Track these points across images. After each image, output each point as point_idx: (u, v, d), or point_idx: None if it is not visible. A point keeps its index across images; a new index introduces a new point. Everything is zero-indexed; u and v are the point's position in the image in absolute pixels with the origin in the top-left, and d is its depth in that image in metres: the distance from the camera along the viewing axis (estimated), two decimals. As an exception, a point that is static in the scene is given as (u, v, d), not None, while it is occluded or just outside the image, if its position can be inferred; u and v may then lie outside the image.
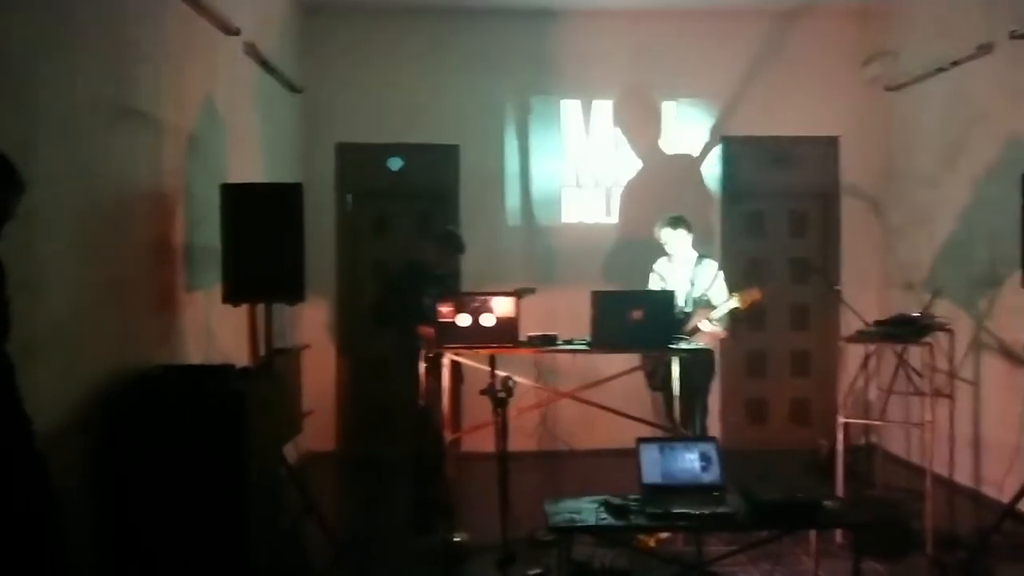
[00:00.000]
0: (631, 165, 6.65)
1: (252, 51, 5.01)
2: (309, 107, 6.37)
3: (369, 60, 6.47)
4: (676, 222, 5.09)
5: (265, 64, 5.27)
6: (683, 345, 4.49)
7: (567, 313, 5.23)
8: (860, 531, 3.55)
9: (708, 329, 4.83)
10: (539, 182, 6.62)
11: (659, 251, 5.20)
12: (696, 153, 6.67)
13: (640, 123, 6.65)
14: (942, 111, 5.79)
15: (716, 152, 6.68)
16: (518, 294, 4.49)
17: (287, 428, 4.82)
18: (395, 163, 6.55)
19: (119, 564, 3.00)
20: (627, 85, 6.62)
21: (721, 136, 6.67)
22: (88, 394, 2.98)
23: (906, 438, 5.98)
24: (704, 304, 4.95)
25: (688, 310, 4.99)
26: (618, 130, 6.63)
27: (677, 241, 5.09)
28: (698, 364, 4.59)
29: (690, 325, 4.91)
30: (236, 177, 4.37)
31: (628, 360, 5.07)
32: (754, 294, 4.78)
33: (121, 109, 3.34)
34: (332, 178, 6.50)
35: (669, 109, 6.66)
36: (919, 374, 5.07)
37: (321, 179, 6.38)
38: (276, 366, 4.46)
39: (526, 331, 4.47)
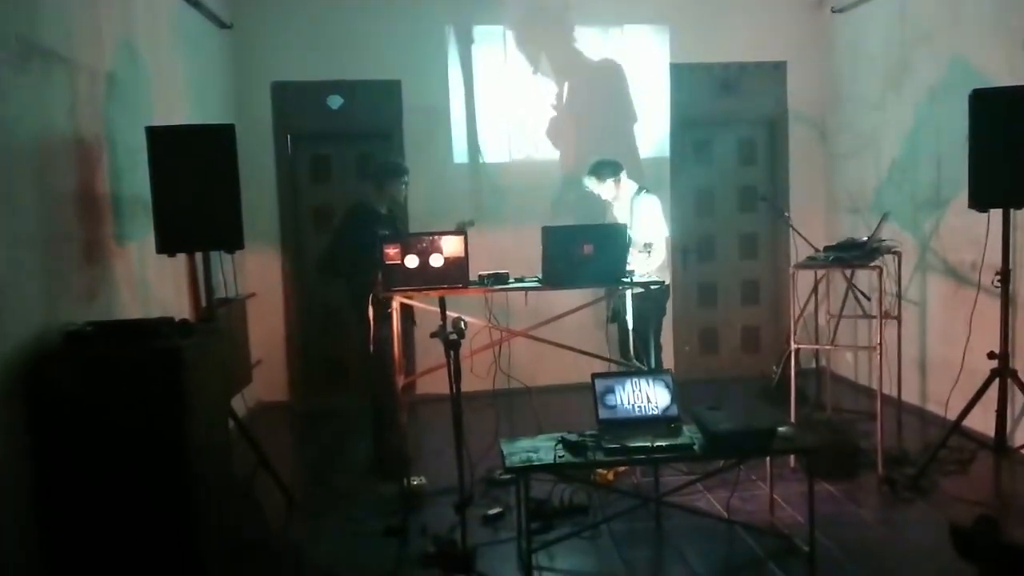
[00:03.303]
0: (579, 96, 6.50)
1: (172, -16, 4.71)
2: (240, 44, 6.05)
3: (303, -8, 6.16)
4: (595, 169, 4.99)
5: (187, -2, 4.96)
6: (635, 279, 4.43)
7: (518, 251, 5.13)
8: (812, 455, 3.61)
9: (641, 270, 4.60)
10: (485, 117, 6.44)
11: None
12: (644, 81, 6.55)
13: (586, 52, 6.49)
14: (886, 33, 5.74)
15: (664, 80, 6.56)
16: (457, 229, 4.37)
17: (234, 380, 4.70)
18: (335, 101, 6.30)
19: (53, 539, 2.83)
20: (573, 12, 6.42)
21: (669, 64, 6.55)
22: (12, 357, 2.80)
23: (855, 361, 6.10)
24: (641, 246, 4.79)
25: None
26: (566, 59, 6.46)
27: (604, 187, 5.01)
28: (650, 298, 4.56)
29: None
30: (162, 120, 4.13)
31: (581, 296, 5.02)
32: None
33: (30, 48, 3.08)
34: (269, 119, 6.24)
35: (616, 36, 6.50)
36: (867, 297, 5.15)
37: (257, 120, 6.13)
38: (219, 317, 4.31)
39: (476, 270, 4.37)
